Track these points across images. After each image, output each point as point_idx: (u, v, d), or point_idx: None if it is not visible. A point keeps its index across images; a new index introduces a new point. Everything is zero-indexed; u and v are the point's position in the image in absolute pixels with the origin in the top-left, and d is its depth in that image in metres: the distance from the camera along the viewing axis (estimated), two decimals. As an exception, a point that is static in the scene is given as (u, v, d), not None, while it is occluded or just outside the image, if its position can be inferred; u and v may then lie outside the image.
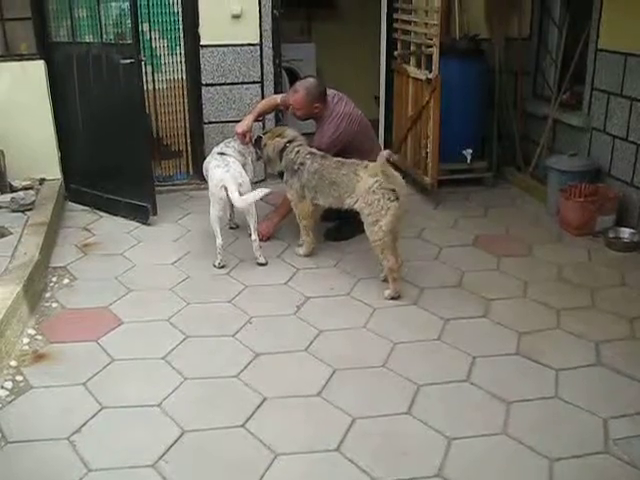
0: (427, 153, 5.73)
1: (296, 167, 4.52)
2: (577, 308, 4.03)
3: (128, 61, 5.01)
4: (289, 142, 4.61)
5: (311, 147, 4.64)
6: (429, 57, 5.59)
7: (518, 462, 2.77)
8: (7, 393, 3.18)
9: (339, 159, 4.44)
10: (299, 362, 3.49)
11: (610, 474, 2.71)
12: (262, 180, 5.97)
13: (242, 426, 2.97)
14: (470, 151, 6.07)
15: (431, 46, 5.51)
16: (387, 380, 3.33)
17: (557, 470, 2.71)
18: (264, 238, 4.86)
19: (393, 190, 4.05)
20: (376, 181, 4.07)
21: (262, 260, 4.56)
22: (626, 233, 4.98)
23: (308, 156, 4.49)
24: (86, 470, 2.71)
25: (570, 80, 5.87)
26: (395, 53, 6.28)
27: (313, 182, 4.44)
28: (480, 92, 6.13)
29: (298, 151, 4.53)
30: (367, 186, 4.10)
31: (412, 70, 5.93)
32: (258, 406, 3.10)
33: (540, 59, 6.49)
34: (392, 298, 4.14)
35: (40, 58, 5.62)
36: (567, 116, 5.89)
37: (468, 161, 6.11)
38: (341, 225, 4.90)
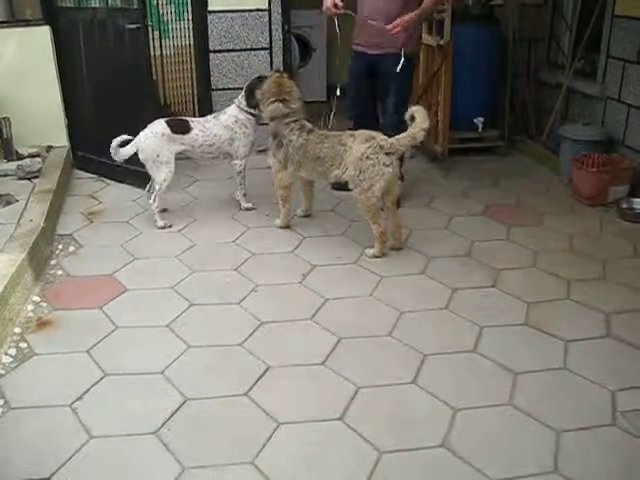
0: (438, 121, 5.64)
1: (284, 140, 4.40)
2: (588, 279, 3.97)
3: (134, 26, 4.94)
4: (288, 114, 4.40)
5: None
6: (440, 23, 5.47)
7: (524, 433, 2.73)
8: (11, 360, 3.18)
9: (323, 132, 4.37)
10: (304, 331, 3.46)
11: (617, 447, 2.66)
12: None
13: (245, 394, 2.94)
14: (481, 119, 5.98)
15: (443, 11, 5.38)
16: (393, 349, 3.30)
17: (563, 442, 2.67)
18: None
19: (387, 154, 4.04)
20: (368, 147, 4.06)
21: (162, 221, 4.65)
22: (639, 204, 4.89)
23: (297, 132, 4.35)
24: (88, 437, 2.69)
25: (585, 47, 5.75)
26: (406, 19, 6.15)
27: (297, 157, 4.38)
28: (492, 59, 6.02)
29: (292, 129, 4.36)
30: (359, 153, 4.07)
31: (424, 37, 5.79)
32: (262, 375, 3.08)
33: (555, 26, 6.36)
34: (375, 257, 4.19)
35: (45, 24, 5.57)
36: (581, 84, 5.79)
37: (479, 130, 6.03)
38: None
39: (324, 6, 4.69)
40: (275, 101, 4.42)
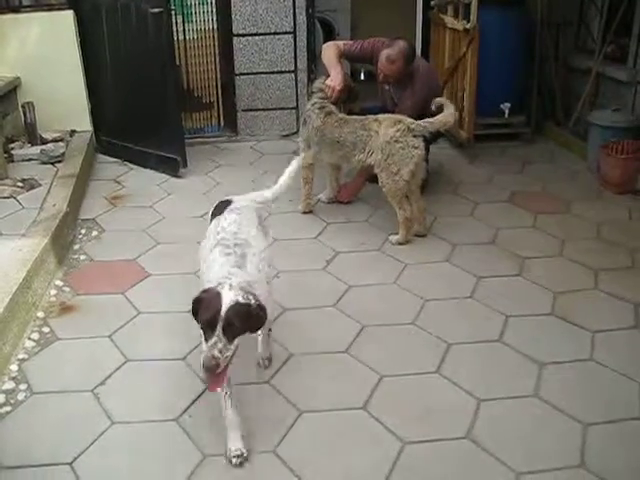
0: (463, 107, 5.56)
1: (306, 118, 4.42)
2: (616, 268, 3.89)
3: (157, 10, 4.92)
4: (315, 91, 4.46)
5: (400, 109, 4.50)
6: (467, 6, 5.37)
7: (550, 426, 2.69)
8: (34, 344, 3.18)
9: (342, 116, 4.34)
10: (327, 318, 3.43)
11: (646, 440, 2.62)
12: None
13: (267, 382, 2.93)
14: (508, 105, 5.89)
15: (470, -6, 5.30)
16: (416, 338, 3.26)
17: (590, 435, 2.63)
18: (346, 200, 4.76)
19: (415, 136, 4.04)
20: (397, 130, 4.04)
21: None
22: (669, 192, 4.80)
23: (317, 110, 4.35)
24: (110, 422, 2.70)
25: (615, 31, 5.61)
26: (432, 3, 6.08)
27: (315, 138, 4.37)
28: (520, 44, 5.91)
29: (314, 103, 4.39)
30: (388, 137, 4.05)
31: (449, 20, 5.72)
32: (284, 362, 3.06)
33: (584, 9, 6.21)
34: (399, 243, 4.16)
35: (69, 8, 5.56)
36: (611, 69, 5.66)
37: (506, 115, 5.94)
38: None
39: (330, 86, 4.48)
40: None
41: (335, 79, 4.50)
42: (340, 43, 4.84)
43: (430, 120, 4.10)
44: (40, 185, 4.65)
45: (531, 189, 5.07)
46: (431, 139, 4.43)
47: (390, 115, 4.23)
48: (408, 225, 4.16)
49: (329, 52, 4.69)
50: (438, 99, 4.26)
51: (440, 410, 2.77)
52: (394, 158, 4.04)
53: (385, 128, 4.09)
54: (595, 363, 3.06)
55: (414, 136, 4.05)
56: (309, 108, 4.42)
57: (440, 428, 2.67)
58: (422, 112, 4.32)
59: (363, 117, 4.25)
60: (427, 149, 4.62)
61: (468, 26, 5.30)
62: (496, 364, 3.07)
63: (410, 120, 4.10)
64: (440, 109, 4.15)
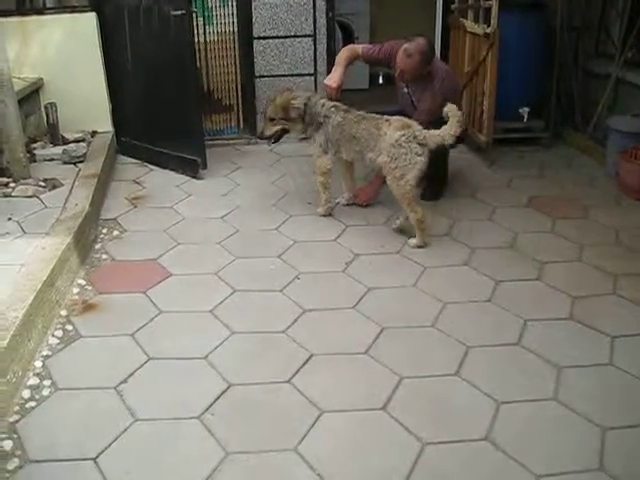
0: (482, 110, 5.58)
1: (321, 120, 4.41)
2: (635, 274, 3.89)
3: (179, 12, 4.96)
4: (309, 98, 4.48)
5: (418, 112, 4.51)
6: (488, 10, 5.39)
7: (568, 429, 2.69)
8: (57, 341, 3.22)
9: (360, 113, 4.37)
10: (347, 319, 3.45)
11: (665, 445, 2.62)
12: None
13: (288, 382, 2.95)
14: (527, 109, 5.91)
15: (490, -2, 5.31)
16: (436, 340, 3.28)
17: (609, 439, 2.63)
18: (364, 203, 4.78)
19: (420, 144, 4.04)
20: (402, 135, 4.06)
21: None
22: (689, 198, 4.79)
23: (332, 109, 4.38)
24: (132, 419, 2.72)
25: (636, 36, 5.60)
26: (452, 7, 6.09)
27: (336, 135, 4.38)
28: (540, 48, 5.93)
29: (323, 104, 4.41)
30: (393, 140, 4.07)
31: (469, 24, 5.74)
32: (305, 362, 3.08)
33: (605, 14, 6.21)
34: (418, 246, 4.17)
35: (91, 10, 5.61)
36: (631, 75, 5.65)
37: (525, 120, 5.96)
38: (427, 186, 4.55)
39: (327, 85, 4.63)
40: (286, 102, 4.47)
41: (331, 78, 4.62)
42: (359, 46, 4.89)
43: (430, 132, 4.07)
44: (62, 185, 4.69)
45: (550, 194, 5.08)
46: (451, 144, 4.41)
47: (401, 118, 4.24)
48: (422, 227, 4.17)
49: (342, 54, 4.78)
50: (447, 108, 4.12)
51: (459, 412, 2.79)
52: (397, 162, 4.06)
53: (392, 130, 4.11)
54: (614, 368, 3.06)
55: (419, 144, 4.04)
56: (320, 111, 4.40)
57: (459, 429, 2.68)
58: (442, 114, 4.33)
59: (379, 116, 4.29)
60: (446, 154, 4.65)
61: (488, 30, 5.31)
62: (515, 367, 3.08)
63: (418, 127, 4.10)
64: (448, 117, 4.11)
